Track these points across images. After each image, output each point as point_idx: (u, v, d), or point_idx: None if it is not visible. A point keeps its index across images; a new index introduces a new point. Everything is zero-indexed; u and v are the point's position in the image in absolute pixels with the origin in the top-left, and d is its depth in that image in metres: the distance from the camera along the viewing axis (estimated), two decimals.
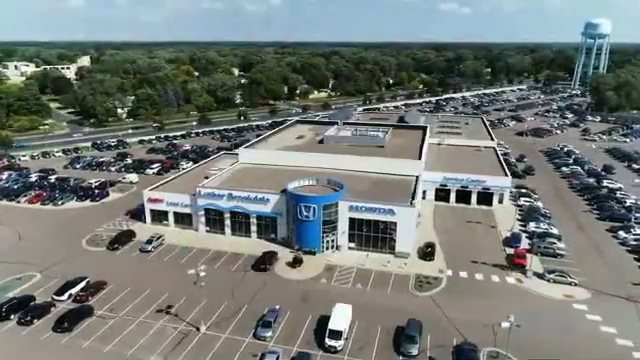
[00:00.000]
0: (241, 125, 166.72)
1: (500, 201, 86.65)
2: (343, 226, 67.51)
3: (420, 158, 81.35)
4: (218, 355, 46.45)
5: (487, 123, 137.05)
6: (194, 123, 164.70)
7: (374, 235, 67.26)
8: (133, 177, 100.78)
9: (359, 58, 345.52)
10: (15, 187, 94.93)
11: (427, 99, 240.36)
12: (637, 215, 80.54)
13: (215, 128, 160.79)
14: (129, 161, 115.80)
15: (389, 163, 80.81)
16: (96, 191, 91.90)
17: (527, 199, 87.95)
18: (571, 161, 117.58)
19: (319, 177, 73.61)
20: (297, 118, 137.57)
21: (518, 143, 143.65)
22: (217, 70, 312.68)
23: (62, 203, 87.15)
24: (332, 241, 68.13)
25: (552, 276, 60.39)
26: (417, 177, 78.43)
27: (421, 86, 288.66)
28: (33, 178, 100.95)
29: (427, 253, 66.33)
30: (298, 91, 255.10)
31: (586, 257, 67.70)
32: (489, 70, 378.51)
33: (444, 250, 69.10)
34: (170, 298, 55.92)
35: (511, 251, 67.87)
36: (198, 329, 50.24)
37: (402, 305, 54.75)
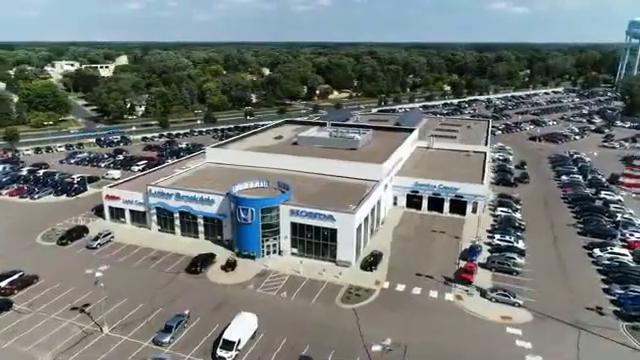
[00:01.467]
0: (245, 124, 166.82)
1: (474, 210, 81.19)
2: (285, 231, 65.27)
3: (384, 162, 77.40)
4: (108, 358, 45.59)
5: (491, 127, 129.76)
6: (198, 122, 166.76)
7: (316, 241, 64.56)
8: (116, 173, 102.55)
9: (390, 58, 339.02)
10: (3, 180, 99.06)
11: (449, 101, 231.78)
12: (624, 231, 73.12)
13: (220, 127, 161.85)
14: (120, 157, 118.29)
15: (349, 167, 77.52)
16: (75, 186, 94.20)
17: (505, 209, 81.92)
18: (575, 169, 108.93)
19: (270, 179, 71.62)
20: (287, 118, 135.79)
21: (527, 149, 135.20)
22: (247, 70, 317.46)
23: (39, 197, 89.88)
24: (274, 246, 66.01)
25: (494, 295, 55.42)
26: (377, 182, 74.83)
27: (448, 87, 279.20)
28: (24, 172, 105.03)
29: (369, 263, 62.82)
30: (318, 92, 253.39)
31: (547, 275, 61.87)
32: (528, 72, 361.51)
33: (393, 260, 65.39)
34: (92, 296, 55.59)
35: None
36: (102, 330, 49.73)
37: (320, 318, 52.01)
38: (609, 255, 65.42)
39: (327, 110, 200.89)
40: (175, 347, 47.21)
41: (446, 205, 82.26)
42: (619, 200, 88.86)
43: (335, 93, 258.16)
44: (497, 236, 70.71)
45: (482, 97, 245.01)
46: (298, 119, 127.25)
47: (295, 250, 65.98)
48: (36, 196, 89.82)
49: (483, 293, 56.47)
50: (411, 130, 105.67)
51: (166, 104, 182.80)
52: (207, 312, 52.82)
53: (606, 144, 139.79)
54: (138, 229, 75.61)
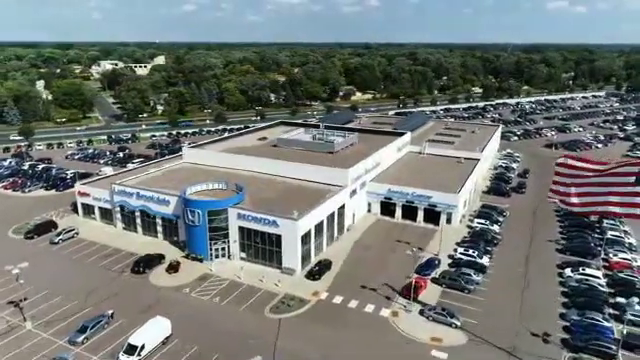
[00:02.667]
0: (256, 125, 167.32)
1: (448, 220, 76.81)
2: (234, 234, 64.21)
3: (350, 168, 74.65)
4: (19, 354, 46.22)
5: (507, 132, 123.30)
6: (207, 121, 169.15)
7: (263, 247, 63.07)
8: (108, 170, 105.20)
9: (424, 59, 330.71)
10: (5, 173, 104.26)
11: (474, 104, 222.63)
12: (609, 250, 66.70)
13: (229, 126, 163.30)
14: (120, 155, 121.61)
15: (315, 171, 75.39)
16: (67, 181, 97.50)
17: (483, 221, 76.96)
18: None
19: (234, 181, 70.85)
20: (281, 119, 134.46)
21: (539, 156, 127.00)
22: (278, 70, 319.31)
23: (29, 191, 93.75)
24: (222, 249, 65.10)
25: (431, 313, 51.83)
26: (341, 187, 72.33)
27: (478, 89, 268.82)
28: (26, 166, 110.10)
29: (314, 272, 60.65)
30: (342, 93, 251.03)
31: (503, 295, 57.25)
32: (572, 74, 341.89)
33: (343, 270, 62.87)
34: (32, 292, 56.91)
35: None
36: (26, 325, 50.60)
37: (241, 327, 50.55)
38: (579, 276, 59.75)
39: (342, 111, 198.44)
40: (86, 348, 47.26)
41: (420, 214, 78.43)
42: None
43: (358, 94, 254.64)
44: (460, 250, 66.39)
45: (512, 100, 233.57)
46: (291, 120, 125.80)
47: (244, 255, 64.79)
48: (27, 190, 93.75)
49: (422, 310, 53.01)
50: (401, 134, 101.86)
51: (182, 103, 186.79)
52: (133, 314, 52.59)
53: (630, 153, 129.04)
54: (106, 226, 76.98)
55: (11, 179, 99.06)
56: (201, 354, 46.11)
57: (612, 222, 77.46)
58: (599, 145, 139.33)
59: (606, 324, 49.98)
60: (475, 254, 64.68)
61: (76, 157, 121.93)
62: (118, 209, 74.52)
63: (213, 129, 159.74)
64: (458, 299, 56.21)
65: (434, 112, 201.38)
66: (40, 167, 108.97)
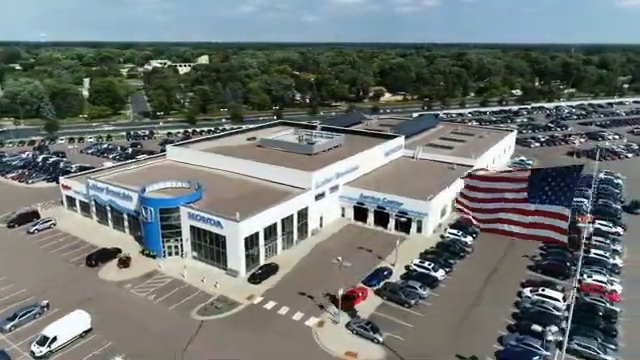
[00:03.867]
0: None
1: (419, 229, 73.21)
2: (186, 233, 64.64)
3: (316, 171, 72.95)
4: None
5: (524, 138, 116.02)
6: (223, 120, 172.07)
7: (211, 247, 63.01)
8: (108, 164, 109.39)
9: (467, 60, 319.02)
10: (20, 164, 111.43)
11: (507, 107, 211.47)
12: (585, 271, 60.81)
13: (245, 126, 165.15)
14: (129, 151, 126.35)
15: (281, 172, 74.34)
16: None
17: (456, 231, 72.64)
18: (589, 192, 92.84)
19: (199, 179, 71.51)
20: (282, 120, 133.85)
21: (556, 164, 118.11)
22: (316, 70, 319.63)
23: (32, 182, 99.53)
24: (175, 247, 65.72)
25: (355, 326, 49.46)
26: (305, 190, 70.96)
27: (518, 92, 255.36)
28: (39, 159, 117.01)
29: (257, 275, 59.83)
30: (371, 94, 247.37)
31: (446, 312, 53.68)
32: (630, 77, 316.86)
33: (290, 275, 61.60)
34: None
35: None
36: None
37: (162, 325, 50.77)
38: (537, 297, 54.85)
39: (364, 112, 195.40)
40: (12, 335, 49.21)
41: (391, 221, 75.35)
42: (616, 232, 74.22)
43: (387, 95, 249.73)
44: (415, 261, 63.02)
45: (550, 105, 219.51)
46: (291, 121, 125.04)
47: (195, 254, 65.09)
48: (30, 181, 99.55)
49: (349, 323, 50.72)
50: (393, 137, 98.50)
51: (206, 102, 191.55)
52: (69, 305, 53.91)
53: None
54: (85, 219, 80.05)
55: (20, 170, 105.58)
56: (113, 350, 46.65)
57: (602, 239, 70.62)
58: (629, 155, 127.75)
59: (543, 352, 45.44)
60: (430, 267, 61.11)
61: (89, 151, 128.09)
62: (93, 203, 77.32)
63: (228, 127, 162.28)
64: (395, 313, 53.33)
65: (461, 115, 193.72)
66: (51, 160, 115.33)
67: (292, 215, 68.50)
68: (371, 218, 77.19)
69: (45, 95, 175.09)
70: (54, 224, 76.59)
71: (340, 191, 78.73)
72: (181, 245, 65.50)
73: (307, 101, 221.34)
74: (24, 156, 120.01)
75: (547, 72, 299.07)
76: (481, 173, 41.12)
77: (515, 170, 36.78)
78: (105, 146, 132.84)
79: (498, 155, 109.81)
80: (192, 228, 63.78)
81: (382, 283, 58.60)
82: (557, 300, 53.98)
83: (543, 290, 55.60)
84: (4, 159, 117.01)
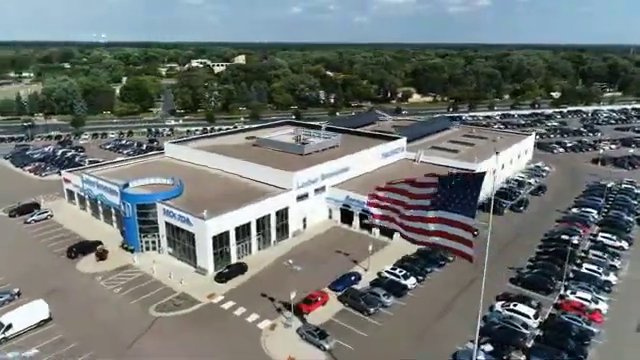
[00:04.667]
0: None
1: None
2: (162, 229, 65.44)
3: (298, 171, 71.93)
4: None
5: (531, 142, 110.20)
6: (242, 119, 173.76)
7: (184, 244, 63.48)
8: (118, 159, 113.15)
9: (506, 61, 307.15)
10: (40, 157, 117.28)
11: (539, 110, 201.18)
12: (571, 287, 56.52)
13: (255, 125, 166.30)
14: (143, 147, 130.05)
15: (266, 172, 73.91)
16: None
17: None
18: (602, 202, 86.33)
19: (177, 176, 72.41)
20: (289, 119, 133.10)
21: (576, 172, 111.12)
22: (350, 70, 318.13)
23: (45, 175, 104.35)
24: (153, 242, 66.70)
25: (304, 332, 48.21)
26: (285, 190, 70.22)
27: (557, 94, 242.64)
28: (59, 153, 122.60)
29: (223, 274, 59.70)
30: (399, 94, 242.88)
31: (408, 323, 51.35)
32: None
33: (259, 276, 61.18)
34: None
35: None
36: None
37: (119, 320, 51.44)
38: (507, 313, 51.41)
39: (388, 112, 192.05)
40: None
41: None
42: (620, 247, 68.62)
43: (416, 96, 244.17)
44: (387, 267, 60.74)
45: (588, 108, 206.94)
46: (298, 121, 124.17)
47: (171, 250, 65.79)
48: (43, 174, 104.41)
49: (298, 329, 49.47)
50: (394, 139, 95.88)
51: (230, 101, 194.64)
52: (39, 294, 55.53)
53: None
54: (82, 212, 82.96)
55: (37, 163, 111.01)
56: (63, 341, 47.81)
57: (600, 254, 65.39)
58: None
59: None
60: (401, 274, 58.73)
61: (107, 147, 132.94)
62: (87, 197, 79.94)
63: (247, 126, 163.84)
64: (353, 320, 51.56)
65: (488, 117, 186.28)
66: (69, 154, 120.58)
67: (269, 215, 67.84)
68: (357, 221, 75.38)
69: (78, 92, 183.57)
70: (51, 215, 79.78)
71: (327, 193, 77.39)
72: (158, 241, 66.41)
73: (331, 101, 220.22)
74: (45, 150, 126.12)
75: (591, 74, 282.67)
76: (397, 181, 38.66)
77: (428, 175, 34.46)
78: (124, 142, 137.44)
79: (510, 160, 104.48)
80: (167, 224, 64.52)
81: (347, 288, 56.93)
82: (527, 317, 50.34)
83: (515, 305, 52.04)
84: (27, 152, 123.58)
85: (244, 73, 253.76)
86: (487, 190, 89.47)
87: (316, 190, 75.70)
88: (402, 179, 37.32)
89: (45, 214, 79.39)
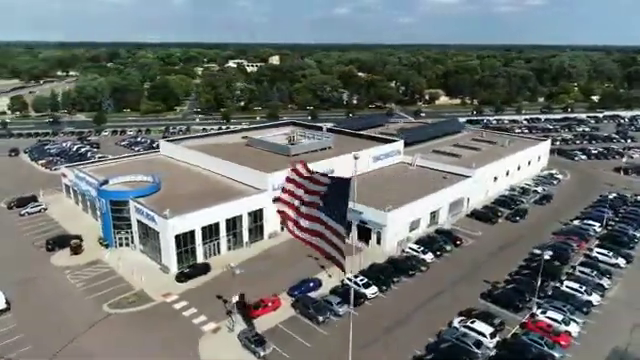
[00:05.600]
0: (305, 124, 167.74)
1: (378, 241, 68.08)
2: (135, 226, 66.18)
3: (273, 172, 70.74)
4: None
5: (545, 148, 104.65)
6: (257, 118, 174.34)
7: (151, 241, 63.86)
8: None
9: (547, 63, 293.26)
10: (54, 152, 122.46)
11: (572, 115, 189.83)
12: (544, 306, 52.38)
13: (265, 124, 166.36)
14: (154, 145, 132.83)
15: (245, 172, 73.34)
16: None
17: (417, 247, 66.34)
18: (609, 214, 79.83)
19: (155, 174, 73.14)
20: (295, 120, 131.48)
21: (593, 180, 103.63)
22: (381, 71, 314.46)
23: (55, 169, 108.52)
24: (126, 239, 67.58)
25: (243, 337, 47.03)
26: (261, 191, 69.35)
27: (597, 98, 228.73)
28: (74, 148, 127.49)
29: (184, 274, 59.52)
30: (427, 96, 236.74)
31: (355, 334, 48.99)
32: None
33: (221, 277, 60.31)
34: None
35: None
36: None
37: (71, 315, 52.20)
38: (463, 330, 48.09)
39: (409, 114, 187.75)
40: None
41: (353, 230, 70.76)
42: (615, 264, 63.06)
43: (444, 99, 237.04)
44: (349, 275, 58.30)
45: (626, 113, 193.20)
46: (299, 121, 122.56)
47: (142, 247, 66.38)
48: (54, 168, 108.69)
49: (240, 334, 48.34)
50: (390, 142, 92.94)
51: (251, 100, 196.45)
52: (8, 285, 57.45)
53: None
54: (75, 206, 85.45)
55: (50, 158, 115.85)
56: (11, 331, 49.02)
57: (589, 271, 60.18)
58: None
59: None
60: (362, 282, 56.40)
61: (122, 144, 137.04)
62: (78, 191, 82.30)
63: (253, 125, 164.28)
64: (300, 328, 49.94)
65: (515, 122, 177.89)
66: (82, 150, 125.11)
67: (241, 216, 67.15)
68: None
69: (106, 90, 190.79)
70: (45, 209, 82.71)
71: None
72: (131, 237, 67.23)
73: (354, 102, 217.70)
74: (63, 145, 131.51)
75: (638, 76, 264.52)
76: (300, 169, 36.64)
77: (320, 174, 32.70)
78: (139, 139, 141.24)
79: (517, 166, 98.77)
80: (138, 222, 65.14)
81: (307, 294, 55.28)
82: (483, 335, 46.85)
83: (473, 322, 48.62)
84: (46, 147, 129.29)
85: (272, 73, 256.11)
86: (481, 197, 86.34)
87: None
88: (308, 173, 35.56)
89: (39, 207, 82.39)
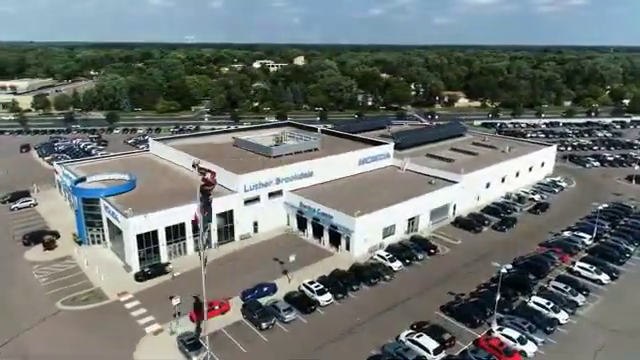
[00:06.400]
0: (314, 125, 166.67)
1: (347, 246, 66.21)
2: (105, 224, 66.93)
3: (244, 174, 70.05)
4: None
5: (551, 154, 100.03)
6: (266, 118, 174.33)
7: (119, 239, 64.34)
8: None
9: (579, 65, 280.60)
10: (64, 149, 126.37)
11: (597, 119, 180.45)
12: (505, 322, 49.38)
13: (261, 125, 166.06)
14: None
15: (219, 173, 72.63)
16: None
17: (385, 254, 64.00)
18: (605, 225, 74.93)
19: (132, 173, 73.86)
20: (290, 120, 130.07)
21: (601, 189, 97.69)
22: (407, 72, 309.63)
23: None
24: (98, 236, 68.47)
25: (179, 340, 46.35)
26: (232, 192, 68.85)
27: (627, 101, 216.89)
28: (81, 145, 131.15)
29: (143, 273, 59.65)
30: (446, 98, 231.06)
31: (296, 343, 47.62)
32: None
33: (179, 278, 60.06)
34: None
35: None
36: None
37: (26, 310, 52.98)
38: (408, 344, 45.78)
39: (423, 116, 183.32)
40: None
41: (325, 234, 69.39)
42: (597, 280, 58.90)
43: (463, 101, 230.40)
44: (305, 281, 56.89)
45: None
46: (295, 122, 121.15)
47: (112, 244, 67.06)
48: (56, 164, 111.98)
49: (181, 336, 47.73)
50: (380, 144, 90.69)
51: (264, 100, 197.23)
52: None
53: None
54: (64, 202, 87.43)
55: (55, 154, 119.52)
56: None
57: (563, 286, 56.31)
58: None
59: None
60: (316, 289, 54.82)
61: (130, 141, 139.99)
62: (64, 188, 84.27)
63: (253, 125, 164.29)
64: (242, 334, 48.89)
65: (534, 126, 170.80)
66: (87, 147, 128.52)
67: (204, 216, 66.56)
68: (310, 229, 71.98)
69: (124, 90, 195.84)
70: (34, 204, 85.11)
71: (285, 197, 74.77)
72: (102, 235, 68.05)
73: (369, 103, 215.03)
74: (72, 142, 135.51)
75: None
76: None
77: None
78: (146, 137, 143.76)
79: (516, 173, 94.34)
80: (108, 220, 65.85)
81: (260, 299, 54.22)
82: (427, 351, 44.43)
83: (419, 336, 46.24)
84: (55, 144, 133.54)
85: (293, 74, 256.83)
86: (470, 204, 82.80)
87: (271, 194, 73.39)
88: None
89: (28, 202, 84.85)
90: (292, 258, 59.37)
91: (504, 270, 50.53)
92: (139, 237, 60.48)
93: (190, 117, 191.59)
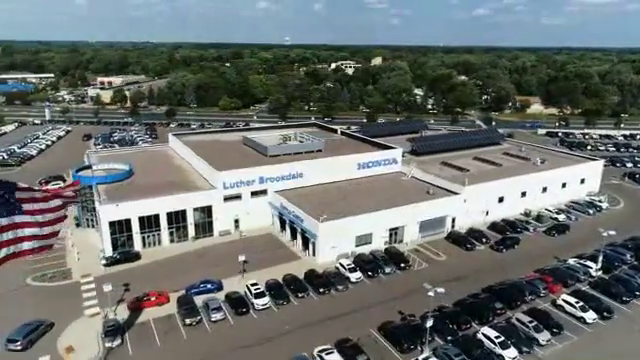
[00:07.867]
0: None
1: (314, 252, 64.01)
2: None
3: (224, 171, 70.62)
4: None
5: (597, 169, 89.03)
6: (313, 118, 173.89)
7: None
8: None
9: None
10: (117, 139, 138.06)
11: None
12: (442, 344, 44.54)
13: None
14: None
15: (203, 168, 74.87)
16: None
17: (347, 263, 60.80)
18: (627, 256, 63.92)
19: (131, 163, 78.41)
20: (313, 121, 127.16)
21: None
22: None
23: None
24: (92, 220, 73.57)
25: (105, 325, 48.18)
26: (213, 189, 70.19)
27: None
28: (134, 137, 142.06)
29: (112, 258, 63.06)
30: (518, 104, 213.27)
31: (213, 342, 47.15)
32: None
33: (145, 267, 62.94)
34: None
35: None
36: None
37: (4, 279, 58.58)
38: None
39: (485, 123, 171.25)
40: None
41: (298, 237, 67.85)
42: (581, 318, 50.69)
43: (536, 107, 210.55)
44: (250, 282, 55.84)
45: None
46: (320, 123, 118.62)
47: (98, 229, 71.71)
48: None
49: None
50: (386, 147, 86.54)
51: (322, 100, 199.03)
52: None
53: None
54: None
55: (107, 144, 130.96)
56: None
57: (528, 321, 49.06)
58: None
59: None
60: (257, 291, 53.80)
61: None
62: None
63: (280, 124, 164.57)
64: (165, 327, 49.60)
65: (608, 137, 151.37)
66: (137, 139, 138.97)
67: (184, 210, 68.51)
68: (288, 231, 70.87)
69: (190, 87, 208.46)
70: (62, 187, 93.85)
71: (269, 197, 74.37)
72: (94, 219, 73.10)
73: (428, 106, 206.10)
74: (126, 134, 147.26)
75: None
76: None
77: None
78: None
79: (542, 188, 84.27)
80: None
81: (203, 295, 54.69)
82: None
83: (329, 353, 43.32)
84: (112, 135, 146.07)
85: (359, 74, 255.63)
86: (474, 220, 75.69)
87: (254, 193, 73.41)
88: None
89: (57, 186, 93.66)
90: (242, 258, 58.88)
91: (431, 294, 45.28)
92: (112, 224, 63.92)
93: (244, 115, 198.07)
